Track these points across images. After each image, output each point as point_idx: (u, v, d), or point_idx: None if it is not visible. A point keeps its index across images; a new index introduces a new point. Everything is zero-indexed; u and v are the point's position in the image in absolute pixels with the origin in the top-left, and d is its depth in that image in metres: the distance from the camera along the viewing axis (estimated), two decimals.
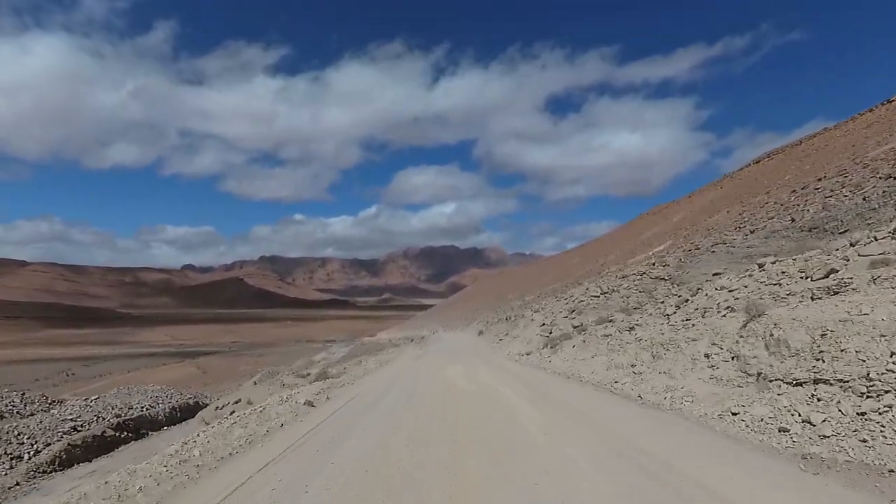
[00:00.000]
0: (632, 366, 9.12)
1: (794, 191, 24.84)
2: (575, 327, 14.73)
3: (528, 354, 15.56)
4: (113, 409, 20.92)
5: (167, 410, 22.23)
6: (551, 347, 14.29)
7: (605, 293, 19.14)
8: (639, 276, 19.75)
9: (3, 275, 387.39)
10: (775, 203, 24.80)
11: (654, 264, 21.47)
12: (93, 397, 26.54)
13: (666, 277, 17.94)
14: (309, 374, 21.88)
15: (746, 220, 24.87)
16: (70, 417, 18.55)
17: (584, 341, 12.63)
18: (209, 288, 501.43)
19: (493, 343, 21.40)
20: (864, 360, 4.87)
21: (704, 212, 41.54)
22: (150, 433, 19.27)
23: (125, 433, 17.91)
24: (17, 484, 12.92)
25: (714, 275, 13.46)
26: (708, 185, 67.40)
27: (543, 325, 18.06)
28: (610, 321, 13.28)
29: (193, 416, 20.80)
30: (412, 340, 36.73)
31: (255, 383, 25.82)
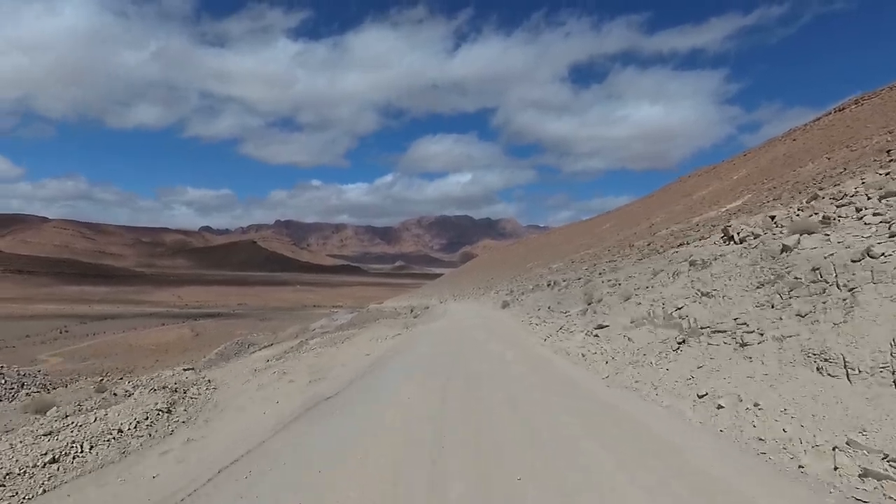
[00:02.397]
0: None
1: None
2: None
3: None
4: None
5: None
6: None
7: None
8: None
9: (25, 230, 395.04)
10: None
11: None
12: None
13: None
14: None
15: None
16: None
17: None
18: (223, 250, 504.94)
19: (538, 325, 14.34)
20: None
21: (785, 165, 33.26)
22: None
23: None
24: None
25: None
26: (763, 144, 58.02)
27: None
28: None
29: None
30: (400, 315, 29.84)
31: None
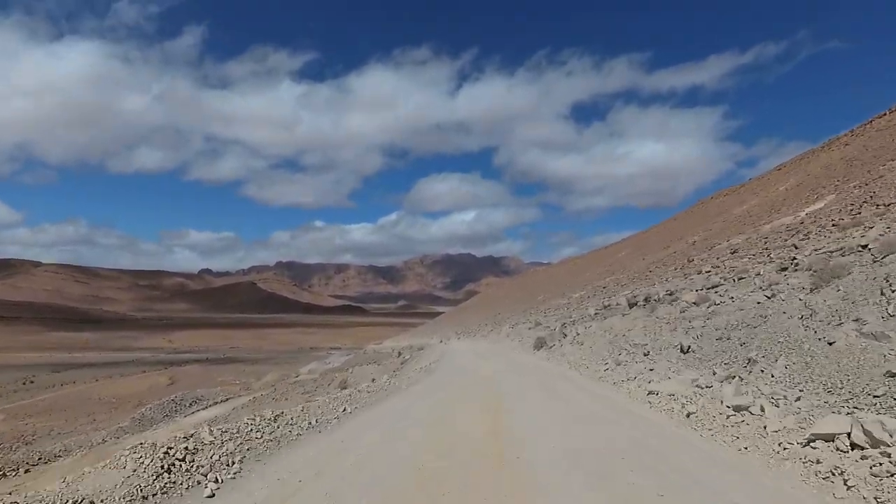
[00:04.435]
0: None
1: None
2: None
3: None
4: None
5: None
6: None
7: None
8: None
9: (15, 276, 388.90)
10: None
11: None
12: None
13: None
14: None
15: None
16: None
17: None
18: (222, 292, 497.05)
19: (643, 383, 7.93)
20: None
21: (848, 167, 27.84)
22: None
23: None
24: None
25: None
26: (798, 156, 53.25)
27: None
28: None
29: None
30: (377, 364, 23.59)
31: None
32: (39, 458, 20.88)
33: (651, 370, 7.62)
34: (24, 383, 69.48)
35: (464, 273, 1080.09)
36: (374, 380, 17.01)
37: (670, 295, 10.59)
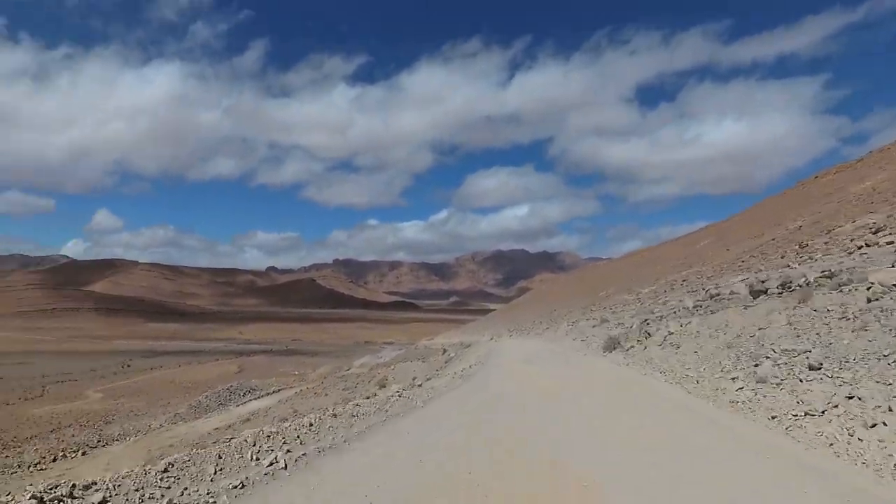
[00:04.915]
0: None
1: None
2: None
3: None
4: None
5: None
6: None
7: None
8: None
9: (118, 274, 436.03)
10: None
11: None
12: None
13: None
14: None
15: None
16: None
17: None
18: (286, 289, 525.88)
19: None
20: None
21: None
22: None
23: None
24: None
25: None
26: None
27: None
28: None
29: None
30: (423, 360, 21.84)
31: None
32: (99, 441, 21.50)
33: (851, 398, 4.41)
34: (122, 367, 76.81)
35: (516, 269, 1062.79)
36: (414, 379, 14.99)
37: (830, 278, 7.12)
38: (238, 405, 24.99)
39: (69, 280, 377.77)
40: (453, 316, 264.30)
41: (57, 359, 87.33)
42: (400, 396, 8.81)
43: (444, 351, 23.98)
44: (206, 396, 29.83)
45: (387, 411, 7.50)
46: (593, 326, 19.13)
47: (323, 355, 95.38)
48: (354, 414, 7.01)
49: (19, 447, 21.34)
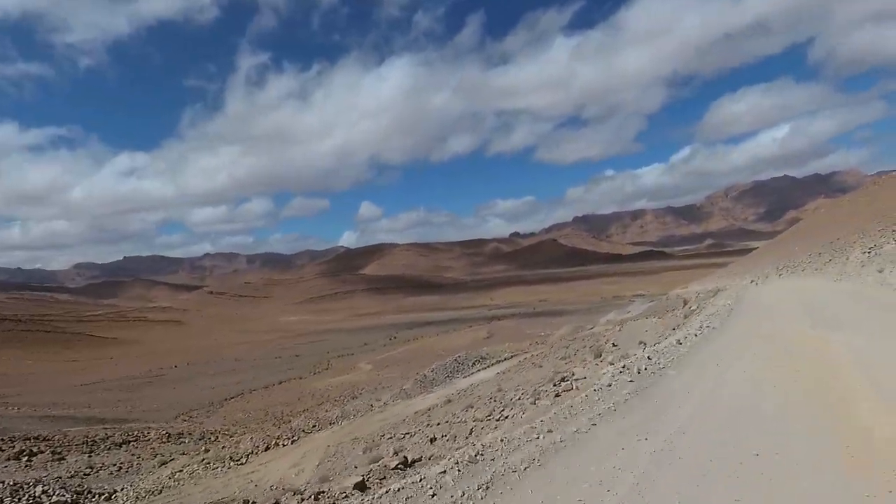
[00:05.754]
0: None
1: None
2: None
3: None
4: None
5: None
6: None
7: None
8: None
9: (382, 257, 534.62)
10: None
11: None
12: None
13: None
14: None
15: None
16: None
17: None
18: (528, 251, 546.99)
19: None
20: None
21: None
22: None
23: None
24: None
25: None
26: None
27: None
28: None
29: None
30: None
31: None
32: (314, 426, 19.18)
33: None
34: (390, 339, 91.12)
35: (781, 200, 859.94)
36: (642, 343, 12.50)
37: None
38: (465, 376, 22.94)
39: (346, 267, 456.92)
40: (711, 260, 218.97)
41: (340, 336, 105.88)
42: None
43: (685, 303, 20.94)
44: (433, 370, 28.63)
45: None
46: None
47: (570, 314, 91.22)
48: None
49: (289, 422, 23.68)
